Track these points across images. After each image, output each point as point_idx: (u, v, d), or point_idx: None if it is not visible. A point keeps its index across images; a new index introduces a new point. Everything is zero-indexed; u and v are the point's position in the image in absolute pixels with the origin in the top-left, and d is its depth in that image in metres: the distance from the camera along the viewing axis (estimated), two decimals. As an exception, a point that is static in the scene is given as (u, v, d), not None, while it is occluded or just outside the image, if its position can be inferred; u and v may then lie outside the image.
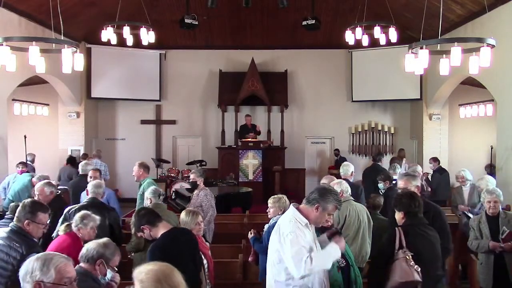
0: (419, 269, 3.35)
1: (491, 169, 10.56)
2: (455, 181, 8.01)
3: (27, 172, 8.61)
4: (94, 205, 5.21)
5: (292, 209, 3.35)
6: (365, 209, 5.00)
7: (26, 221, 3.70)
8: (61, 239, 4.21)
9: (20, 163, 9.11)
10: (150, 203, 5.46)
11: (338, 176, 6.51)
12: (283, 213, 4.62)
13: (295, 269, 3.10)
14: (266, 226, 4.91)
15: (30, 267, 2.33)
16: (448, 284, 5.83)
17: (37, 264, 2.33)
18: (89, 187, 5.49)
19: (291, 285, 3.23)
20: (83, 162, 7.99)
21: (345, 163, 6.80)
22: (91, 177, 6.67)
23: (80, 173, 7.67)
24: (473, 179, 7.12)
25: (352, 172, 6.48)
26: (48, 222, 3.91)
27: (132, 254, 5.20)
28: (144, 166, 6.74)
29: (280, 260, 3.23)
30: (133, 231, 3.80)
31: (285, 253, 3.16)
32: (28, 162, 10.21)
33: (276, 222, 4.81)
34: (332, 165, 14.06)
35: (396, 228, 3.60)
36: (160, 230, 3.65)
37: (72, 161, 11.24)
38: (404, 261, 3.36)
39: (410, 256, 3.36)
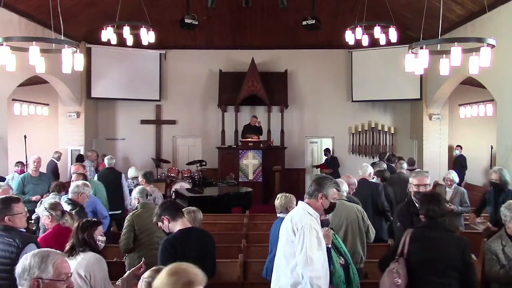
0: (399, 283, 3.42)
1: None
2: (442, 182, 8.17)
3: (24, 171, 8.63)
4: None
5: (302, 204, 3.46)
6: (356, 211, 4.89)
7: (6, 218, 3.70)
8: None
9: (18, 162, 9.11)
10: (138, 203, 5.39)
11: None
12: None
13: (302, 264, 3.17)
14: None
15: (27, 265, 2.32)
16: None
17: (35, 261, 2.32)
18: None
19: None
20: (109, 156, 8.99)
21: (363, 164, 7.23)
22: (72, 180, 6.48)
23: (107, 166, 8.68)
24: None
25: (370, 172, 6.87)
26: (25, 208, 3.93)
27: (126, 256, 5.14)
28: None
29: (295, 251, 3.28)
30: (154, 219, 3.91)
31: (299, 244, 3.22)
32: (53, 159, 11.20)
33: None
34: (321, 165, 14.01)
35: (407, 231, 3.66)
36: (178, 225, 3.74)
37: (81, 159, 11.35)
38: (390, 274, 3.48)
39: (398, 274, 3.44)
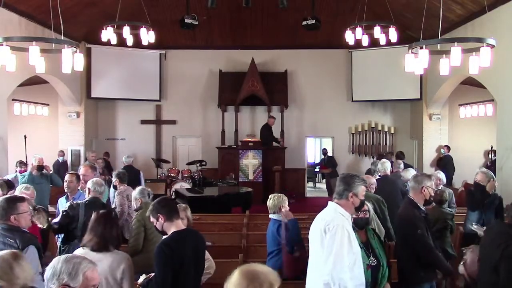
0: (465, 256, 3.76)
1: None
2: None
3: (26, 171, 8.62)
4: (95, 204, 5.20)
5: (334, 204, 3.45)
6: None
7: (12, 217, 3.72)
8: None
9: (20, 162, 9.10)
10: (140, 203, 5.38)
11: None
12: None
13: (332, 265, 3.16)
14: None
15: (58, 269, 2.30)
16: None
17: (66, 267, 2.30)
18: (89, 185, 5.47)
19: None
20: (126, 155, 9.77)
21: (383, 160, 7.34)
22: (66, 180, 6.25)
23: (125, 164, 9.33)
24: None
25: (391, 169, 7.05)
26: (30, 207, 3.96)
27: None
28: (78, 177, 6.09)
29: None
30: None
31: (330, 244, 3.21)
32: (58, 159, 11.80)
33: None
34: (320, 164, 13.99)
35: (484, 228, 3.93)
36: (173, 227, 3.68)
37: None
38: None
39: (466, 253, 3.79)
